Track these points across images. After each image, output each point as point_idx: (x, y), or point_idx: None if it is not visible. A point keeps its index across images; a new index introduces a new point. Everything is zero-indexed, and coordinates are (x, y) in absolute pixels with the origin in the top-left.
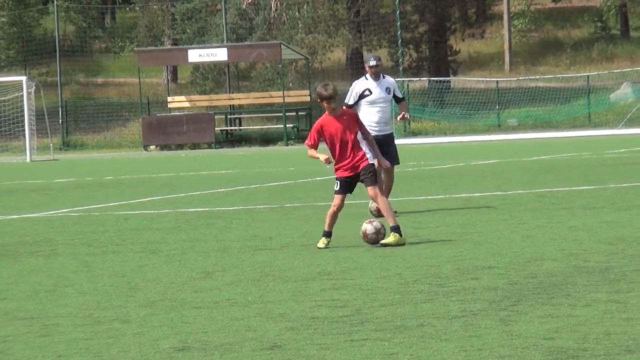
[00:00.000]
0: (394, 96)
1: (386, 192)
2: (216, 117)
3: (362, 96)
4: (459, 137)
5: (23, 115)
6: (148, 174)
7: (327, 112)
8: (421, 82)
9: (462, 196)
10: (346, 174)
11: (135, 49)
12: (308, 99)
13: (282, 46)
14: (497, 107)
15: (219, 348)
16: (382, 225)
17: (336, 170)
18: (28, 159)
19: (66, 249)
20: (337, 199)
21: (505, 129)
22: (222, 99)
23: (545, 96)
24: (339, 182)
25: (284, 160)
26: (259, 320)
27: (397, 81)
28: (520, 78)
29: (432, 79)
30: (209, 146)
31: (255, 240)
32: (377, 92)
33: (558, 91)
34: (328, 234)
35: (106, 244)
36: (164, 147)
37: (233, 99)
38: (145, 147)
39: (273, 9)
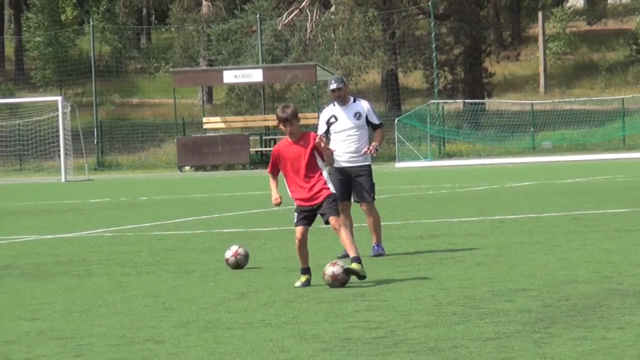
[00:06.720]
0: (369, 122)
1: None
2: (251, 138)
3: (329, 124)
4: (493, 159)
5: (58, 136)
6: (183, 195)
7: (285, 137)
8: (456, 104)
9: (497, 218)
10: (304, 204)
11: (171, 69)
12: None
13: (318, 67)
14: (532, 129)
15: None
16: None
17: (295, 200)
18: (63, 179)
19: (100, 269)
20: (297, 231)
21: (539, 151)
22: (257, 120)
23: (580, 119)
24: (296, 214)
25: None
26: (292, 341)
27: (431, 103)
28: (555, 100)
29: (467, 101)
30: (244, 167)
31: (289, 261)
32: (343, 118)
33: (593, 114)
34: (305, 271)
35: (140, 264)
36: (198, 167)
37: (268, 120)
38: (180, 168)
39: (308, 30)
